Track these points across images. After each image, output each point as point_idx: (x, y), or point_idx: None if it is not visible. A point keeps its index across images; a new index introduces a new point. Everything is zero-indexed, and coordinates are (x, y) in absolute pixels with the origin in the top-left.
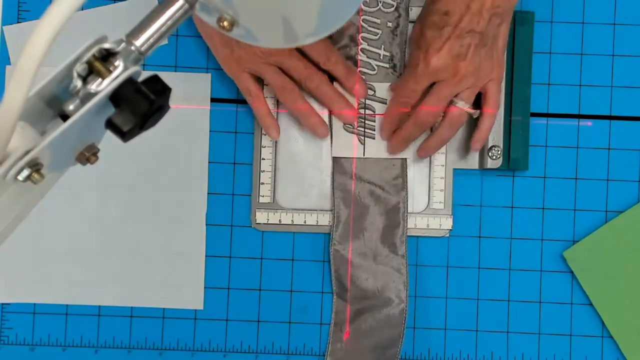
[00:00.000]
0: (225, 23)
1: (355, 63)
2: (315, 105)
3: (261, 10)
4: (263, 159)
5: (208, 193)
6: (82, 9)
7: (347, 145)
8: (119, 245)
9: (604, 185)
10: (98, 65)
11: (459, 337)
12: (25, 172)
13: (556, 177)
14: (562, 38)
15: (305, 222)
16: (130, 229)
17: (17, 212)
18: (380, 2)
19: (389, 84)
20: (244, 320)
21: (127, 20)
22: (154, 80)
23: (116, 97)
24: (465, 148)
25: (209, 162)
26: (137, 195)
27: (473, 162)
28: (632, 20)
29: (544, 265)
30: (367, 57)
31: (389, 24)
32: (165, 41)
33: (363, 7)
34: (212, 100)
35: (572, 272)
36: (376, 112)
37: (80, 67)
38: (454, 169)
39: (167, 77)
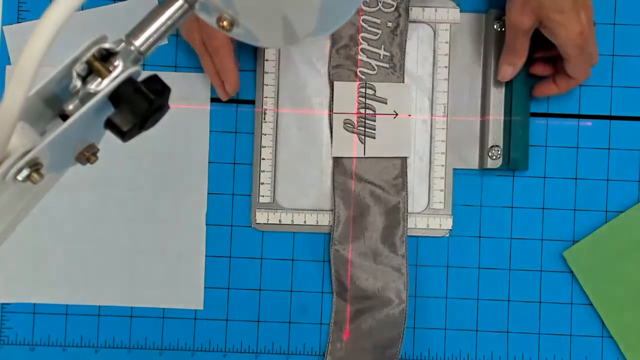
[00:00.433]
0: (225, 23)
1: (356, 63)
2: (317, 106)
3: (261, 10)
4: (263, 159)
5: (208, 193)
6: (82, 9)
7: (347, 145)
8: (118, 245)
9: (604, 185)
10: (98, 65)
11: (459, 337)
12: (25, 172)
13: (556, 177)
14: None
15: (305, 222)
16: (130, 229)
17: (17, 212)
18: (380, 2)
19: (389, 84)
20: (244, 320)
21: (127, 20)
22: (154, 80)
23: (116, 97)
24: (465, 148)
25: (209, 162)
26: (137, 195)
27: (473, 162)
28: (632, 20)
29: (544, 265)
30: (367, 57)
31: (389, 24)
32: (165, 41)
33: (363, 7)
34: (212, 100)
35: (572, 272)
36: (376, 112)
37: (80, 67)
38: (454, 169)
39: (167, 77)
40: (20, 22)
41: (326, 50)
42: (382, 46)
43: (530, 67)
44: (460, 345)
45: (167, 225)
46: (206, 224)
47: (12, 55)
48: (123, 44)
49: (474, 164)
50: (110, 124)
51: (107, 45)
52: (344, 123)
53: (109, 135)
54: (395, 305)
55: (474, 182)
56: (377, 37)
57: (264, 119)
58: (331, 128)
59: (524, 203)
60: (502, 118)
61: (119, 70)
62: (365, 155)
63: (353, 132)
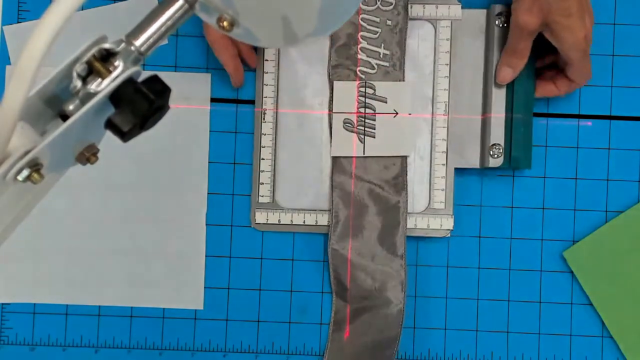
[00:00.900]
0: (225, 23)
1: (355, 62)
2: (316, 106)
3: (261, 10)
4: (262, 159)
5: (208, 193)
6: (82, 9)
7: (346, 144)
8: (119, 245)
9: (604, 185)
10: (98, 65)
11: (459, 337)
12: (25, 173)
13: (556, 177)
14: None
15: (304, 222)
16: (130, 229)
17: (17, 212)
18: (379, 0)
19: (389, 82)
20: (244, 320)
21: (127, 20)
22: (154, 80)
23: (116, 97)
24: (466, 147)
25: (209, 162)
26: (137, 195)
27: (474, 160)
28: (632, 20)
29: (544, 265)
30: (367, 55)
31: (389, 22)
32: (165, 41)
33: (362, 5)
34: (212, 100)
35: (572, 272)
36: (376, 111)
37: (80, 67)
38: (455, 168)
39: (167, 77)
40: (20, 22)
41: (325, 50)
42: (382, 45)
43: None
44: (460, 345)
45: (167, 225)
46: (206, 224)
47: (12, 55)
48: (123, 44)
49: (475, 163)
50: (110, 124)
51: (107, 46)
52: (344, 122)
53: (109, 135)
54: (394, 306)
55: (474, 182)
56: (376, 35)
57: (264, 119)
58: (331, 128)
59: (524, 203)
60: (504, 116)
61: (119, 71)
62: (365, 155)
63: (353, 132)
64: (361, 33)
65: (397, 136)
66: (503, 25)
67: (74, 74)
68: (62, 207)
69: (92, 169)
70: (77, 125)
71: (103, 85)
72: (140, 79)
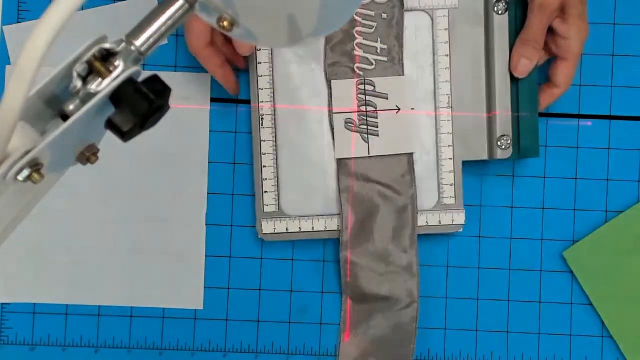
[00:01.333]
0: (226, 23)
1: (352, 59)
2: (315, 107)
3: (261, 10)
4: (264, 166)
5: (208, 193)
6: (82, 9)
7: (350, 145)
8: (119, 245)
9: (604, 185)
10: (98, 65)
11: (459, 337)
12: (25, 173)
13: (556, 177)
14: None
15: (313, 228)
16: (130, 229)
17: (17, 212)
18: None
19: (388, 78)
20: (244, 320)
21: (127, 20)
22: (154, 80)
23: (116, 97)
24: (473, 139)
25: (209, 162)
26: (137, 195)
27: (482, 153)
28: (632, 20)
29: (544, 265)
30: (364, 51)
31: (384, 16)
32: (165, 41)
33: None
34: (212, 100)
35: (572, 272)
36: (378, 109)
37: (80, 67)
38: (463, 162)
39: (167, 77)
40: (20, 22)
41: (320, 48)
42: (379, 39)
43: None
44: (460, 345)
45: (167, 225)
46: (206, 224)
47: (12, 55)
48: (123, 44)
49: (484, 155)
50: (110, 124)
51: (107, 46)
52: (345, 123)
53: (109, 135)
54: (407, 307)
55: (474, 182)
56: (372, 30)
57: (262, 124)
58: (332, 129)
59: (524, 203)
60: (510, 109)
61: (119, 71)
62: (370, 155)
63: (356, 132)
64: (357, 28)
65: (402, 133)
66: (502, 13)
67: (74, 74)
68: (62, 207)
69: (92, 169)
70: (78, 125)
71: (103, 85)
72: (140, 79)
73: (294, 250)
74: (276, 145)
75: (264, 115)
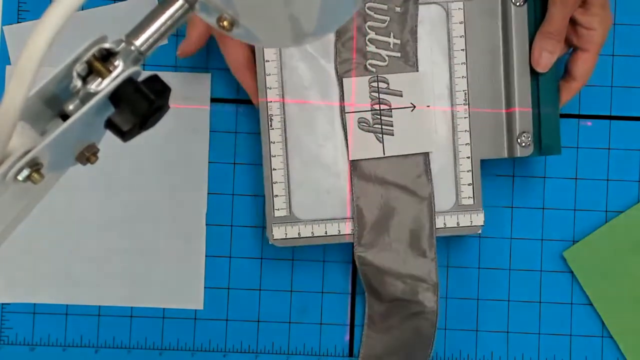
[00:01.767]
0: (225, 23)
1: (364, 55)
2: (326, 107)
3: (261, 10)
4: (274, 169)
5: (208, 193)
6: (82, 9)
7: (364, 145)
8: (119, 245)
9: (604, 185)
10: (98, 65)
11: (459, 337)
12: (25, 172)
13: (556, 177)
14: None
15: (326, 232)
16: (130, 229)
17: (17, 212)
18: None
19: (402, 74)
20: (244, 320)
21: (127, 20)
22: (154, 80)
23: (116, 97)
24: (491, 137)
25: (209, 162)
26: (137, 195)
27: (501, 151)
28: (632, 20)
29: (544, 265)
30: (376, 47)
31: (397, 9)
32: (165, 41)
33: None
34: (212, 100)
35: (572, 272)
36: (392, 107)
37: (80, 67)
38: (481, 160)
39: (167, 77)
40: (20, 22)
41: (331, 45)
42: (392, 34)
43: None
44: (460, 345)
45: (167, 226)
46: (206, 224)
47: (12, 55)
48: (123, 44)
49: (502, 153)
50: (110, 124)
51: (107, 45)
52: (358, 122)
53: (109, 135)
54: (426, 308)
55: None
56: (385, 24)
57: (271, 125)
58: (345, 129)
59: (524, 203)
60: (530, 101)
61: (119, 70)
62: (385, 155)
63: (369, 131)
64: (368, 23)
65: (417, 131)
66: (521, 4)
67: (74, 74)
68: (62, 207)
69: (92, 169)
70: (77, 125)
71: (103, 85)
72: (140, 79)
73: (294, 250)
74: (286, 147)
75: (272, 115)
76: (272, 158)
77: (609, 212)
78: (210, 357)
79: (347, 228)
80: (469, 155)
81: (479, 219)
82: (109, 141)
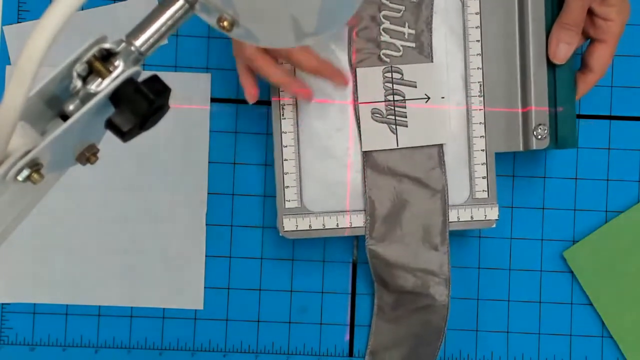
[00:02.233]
0: (225, 23)
1: (378, 45)
2: (339, 97)
3: (261, 10)
4: (285, 159)
5: (208, 193)
6: (82, 9)
7: (377, 136)
8: (119, 245)
9: (604, 185)
10: (98, 65)
11: (459, 337)
12: (25, 172)
13: (556, 177)
14: None
15: (337, 225)
16: (131, 229)
17: (17, 212)
18: None
19: (417, 65)
20: (244, 320)
21: (127, 20)
22: (154, 80)
23: (116, 97)
24: (507, 129)
25: (209, 162)
26: (137, 195)
27: (516, 144)
28: (632, 20)
29: (544, 265)
30: (391, 37)
31: None
32: (165, 41)
33: None
34: (212, 100)
35: (572, 272)
36: (406, 98)
37: (80, 67)
38: (496, 153)
39: (167, 77)
40: (20, 22)
41: (344, 34)
42: (406, 24)
43: None
44: (460, 345)
45: (167, 225)
46: (206, 224)
47: (12, 55)
48: (123, 44)
49: (518, 147)
50: (110, 124)
51: (107, 46)
52: (372, 113)
53: (109, 135)
54: (437, 301)
55: None
56: (400, 14)
57: (283, 115)
58: (358, 120)
59: (524, 203)
60: (547, 93)
61: (119, 71)
62: (399, 146)
63: (383, 122)
64: (383, 12)
65: (431, 123)
66: None
67: (74, 74)
68: (62, 207)
69: (92, 169)
70: (77, 125)
71: (103, 85)
72: (140, 79)
73: (294, 250)
74: (298, 138)
75: (285, 104)
76: (283, 148)
77: (609, 212)
78: (210, 357)
79: (358, 221)
80: (484, 148)
81: (493, 212)
82: (109, 141)
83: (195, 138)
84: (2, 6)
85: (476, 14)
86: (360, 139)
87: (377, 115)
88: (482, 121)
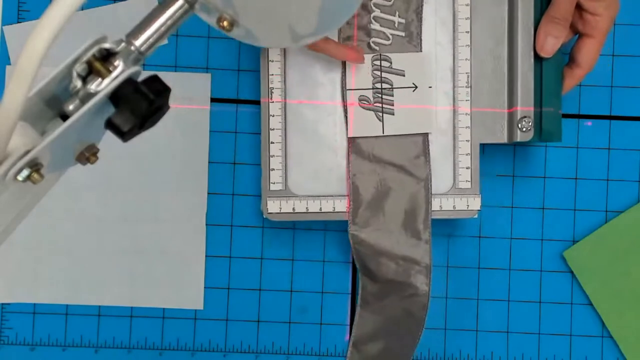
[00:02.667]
0: (225, 23)
1: (368, 33)
2: (328, 83)
3: (261, 10)
4: (272, 142)
5: (208, 193)
6: (82, 9)
7: (363, 123)
8: (119, 245)
9: (604, 185)
10: (98, 65)
11: (459, 337)
12: (25, 172)
13: (556, 177)
14: None
15: (321, 209)
16: (130, 229)
17: (17, 212)
18: None
19: (406, 54)
20: (244, 320)
21: (127, 20)
22: (154, 80)
23: (116, 97)
24: (492, 120)
25: (208, 162)
26: (137, 195)
27: (501, 135)
28: (632, 20)
29: (544, 265)
30: (381, 25)
31: None
32: (165, 41)
33: None
34: (212, 100)
35: (572, 272)
36: (394, 86)
37: (80, 67)
38: (481, 144)
39: (167, 77)
40: (20, 22)
41: None
42: (397, 12)
43: None
44: (460, 345)
45: (167, 225)
46: (206, 224)
47: (12, 55)
48: (123, 44)
49: (502, 138)
50: (110, 124)
51: (107, 45)
52: (359, 100)
53: (109, 135)
54: (419, 290)
55: None
56: (390, 2)
57: (271, 98)
58: (345, 106)
59: (524, 203)
60: (533, 86)
61: (119, 70)
62: (385, 134)
63: (370, 110)
64: (374, 1)
65: (418, 112)
66: None
67: (74, 74)
68: (62, 207)
69: (92, 169)
70: (77, 125)
71: (103, 85)
72: (140, 79)
73: (294, 250)
74: (285, 121)
75: (273, 89)
76: (270, 131)
77: (609, 212)
78: (210, 357)
79: (342, 205)
80: (469, 138)
81: (475, 203)
82: (109, 141)
83: (195, 138)
84: (2, 6)
85: (466, 5)
86: (347, 125)
87: (365, 102)
88: (468, 112)
